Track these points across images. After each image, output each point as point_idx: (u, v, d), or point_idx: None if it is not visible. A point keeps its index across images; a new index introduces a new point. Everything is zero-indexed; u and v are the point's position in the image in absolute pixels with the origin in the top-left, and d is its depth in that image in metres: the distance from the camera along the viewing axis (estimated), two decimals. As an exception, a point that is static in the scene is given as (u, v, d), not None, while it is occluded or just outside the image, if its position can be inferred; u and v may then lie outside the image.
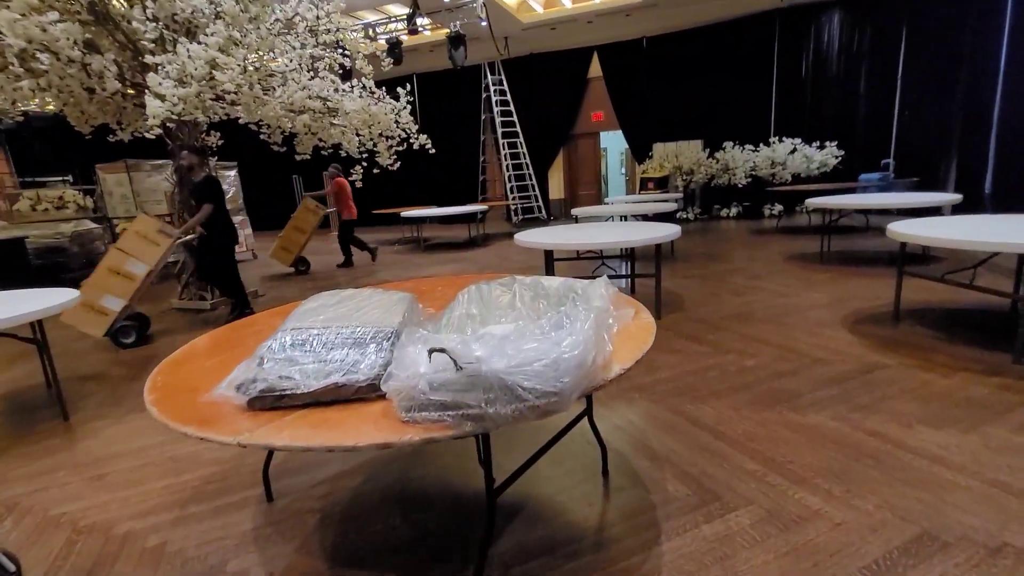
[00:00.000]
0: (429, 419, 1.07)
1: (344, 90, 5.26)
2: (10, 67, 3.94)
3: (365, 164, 5.50)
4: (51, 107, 4.88)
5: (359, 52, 5.51)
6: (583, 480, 2.01)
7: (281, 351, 1.24)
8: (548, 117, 12.32)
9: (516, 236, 4.12)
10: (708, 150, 10.40)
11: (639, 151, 11.46)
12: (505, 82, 12.02)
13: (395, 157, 5.60)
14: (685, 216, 10.53)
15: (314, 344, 1.26)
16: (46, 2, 3.92)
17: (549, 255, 4.08)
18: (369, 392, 1.20)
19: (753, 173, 9.69)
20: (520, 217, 12.50)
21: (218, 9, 4.34)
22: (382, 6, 10.30)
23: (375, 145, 5.45)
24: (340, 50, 5.48)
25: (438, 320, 1.45)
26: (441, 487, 2.02)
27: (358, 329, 1.30)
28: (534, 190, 12.35)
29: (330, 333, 1.28)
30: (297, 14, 5.08)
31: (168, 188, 5.80)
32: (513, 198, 12.08)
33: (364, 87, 5.47)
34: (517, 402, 1.03)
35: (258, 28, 4.65)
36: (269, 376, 1.19)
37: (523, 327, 1.18)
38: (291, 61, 4.90)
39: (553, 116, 12.31)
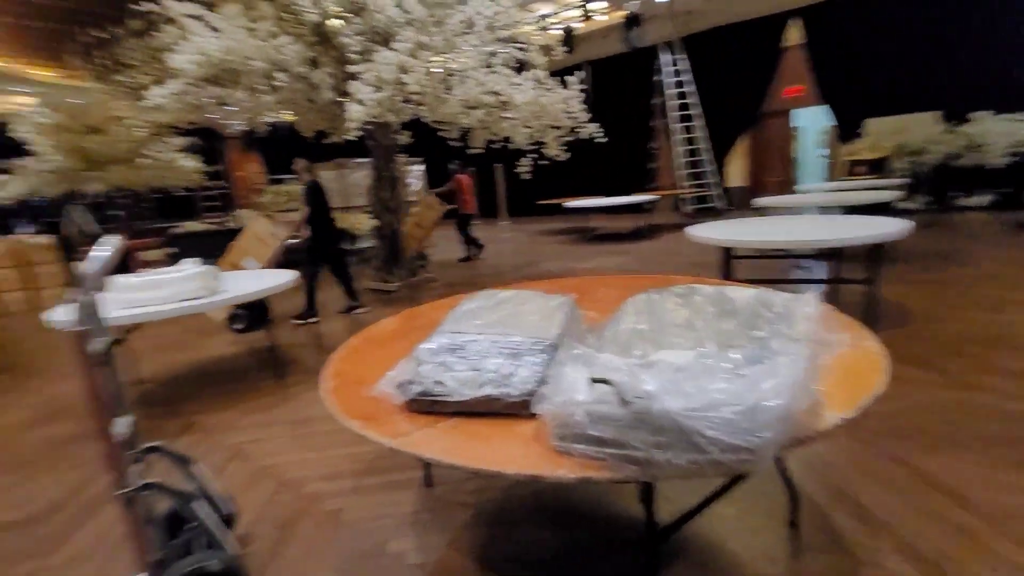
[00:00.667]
0: (585, 453, 0.92)
1: (516, 83, 5.34)
2: (258, 87, 4.80)
3: (534, 156, 5.55)
4: (287, 117, 5.87)
5: (532, 45, 5.54)
6: (764, 528, 1.68)
7: (437, 355, 1.21)
8: (731, 96, 11.10)
9: (688, 230, 3.72)
10: (947, 123, 8.29)
11: (847, 128, 9.67)
12: (683, 61, 11.15)
13: (563, 148, 5.53)
14: (910, 206, 8.60)
15: (469, 351, 1.20)
16: (281, 27, 4.66)
17: (727, 253, 3.60)
18: (521, 409, 1.10)
19: (1020, 150, 7.46)
20: (692, 207, 11.57)
21: (409, 17, 4.70)
22: (557, -5, 10.29)
23: (543, 136, 5.45)
24: (515, 44, 5.57)
25: (600, 332, 1.29)
26: (597, 506, 1.88)
27: (514, 339, 1.21)
28: (712, 177, 11.30)
29: (485, 341, 1.22)
30: (478, 12, 5.27)
31: (361, 184, 6.60)
32: (685, 186, 11.22)
33: (536, 79, 5.49)
34: (695, 452, 0.82)
35: (442, 30, 4.94)
36: (425, 380, 1.17)
37: (707, 358, 0.96)
38: (469, 59, 5.13)
39: (738, 95, 11.05)
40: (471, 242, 8.28)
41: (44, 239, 7.84)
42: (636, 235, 8.96)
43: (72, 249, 8.56)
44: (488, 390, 1.12)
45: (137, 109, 9.14)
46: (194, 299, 2.95)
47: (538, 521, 1.82)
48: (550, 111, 5.23)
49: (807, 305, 1.25)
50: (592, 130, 5.43)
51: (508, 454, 1.00)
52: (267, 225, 5.24)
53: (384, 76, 4.39)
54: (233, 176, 18.44)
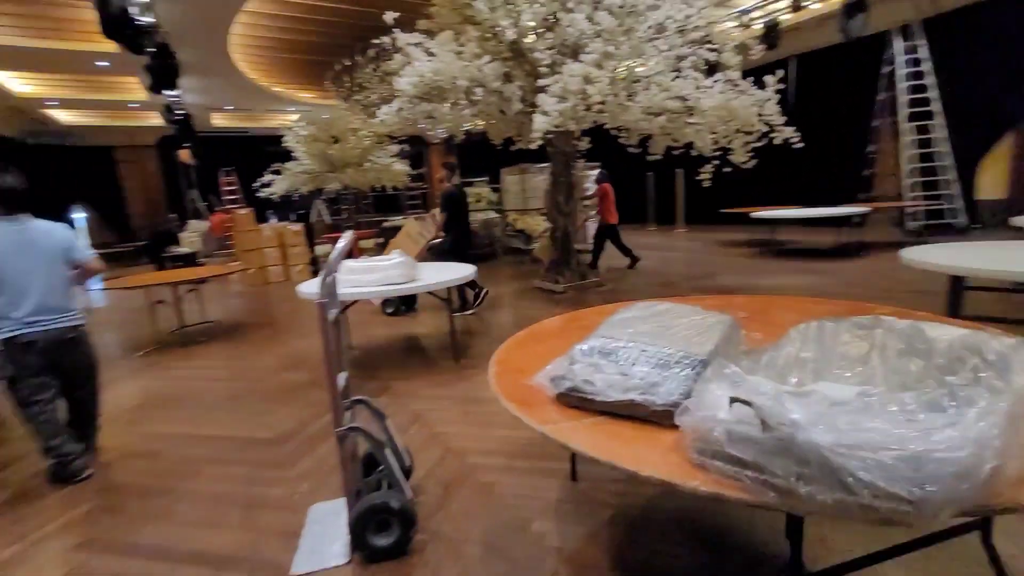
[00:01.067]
0: (722, 471, 0.94)
1: (705, 87, 5.11)
2: (459, 102, 5.44)
3: (717, 163, 5.25)
4: (480, 125, 6.52)
5: (726, 44, 5.23)
6: (957, 613, 1.42)
7: (589, 356, 1.31)
8: (987, 90, 8.92)
9: (904, 252, 3.16)
10: None
11: None
12: (922, 49, 9.30)
13: (751, 155, 5.13)
14: None
15: (619, 356, 1.28)
16: (483, 47, 5.20)
17: (956, 283, 2.98)
18: (664, 418, 1.14)
19: None
20: (921, 223, 9.61)
21: (598, 28, 4.84)
22: (763, -13, 9.45)
23: (730, 142, 5.12)
24: (707, 45, 5.32)
25: (759, 356, 1.25)
26: (740, 534, 1.79)
27: (665, 350, 1.25)
28: (951, 187, 9.25)
29: (636, 349, 1.28)
30: (669, 17, 5.18)
31: (540, 188, 6.96)
32: (915, 197, 9.36)
33: (728, 80, 5.18)
34: (843, 492, 0.79)
35: (630, 39, 4.98)
36: (576, 378, 1.28)
37: (872, 395, 0.89)
38: (656, 64, 5.08)
39: (997, 87, 8.83)
40: (599, 253, 8.01)
41: (296, 226, 9.94)
42: (838, 253, 7.81)
43: (314, 235, 10.69)
44: (633, 395, 1.19)
45: (367, 123, 11.06)
46: (398, 283, 3.53)
47: (677, 537, 1.80)
48: (740, 115, 4.90)
49: None
50: (788, 134, 4.92)
51: (645, 457, 1.06)
52: (417, 226, 5.98)
53: (569, 87, 4.61)
54: (433, 178, 20.99)
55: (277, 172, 11.30)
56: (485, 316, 5.34)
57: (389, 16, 5.28)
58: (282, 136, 11.27)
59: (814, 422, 0.82)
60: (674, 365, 1.21)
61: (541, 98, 4.62)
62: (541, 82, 4.79)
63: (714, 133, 5.12)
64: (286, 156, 11.27)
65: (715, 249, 9.40)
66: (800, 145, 4.90)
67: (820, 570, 1.19)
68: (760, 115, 5.00)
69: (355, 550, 1.80)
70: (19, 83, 11.56)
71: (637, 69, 5.23)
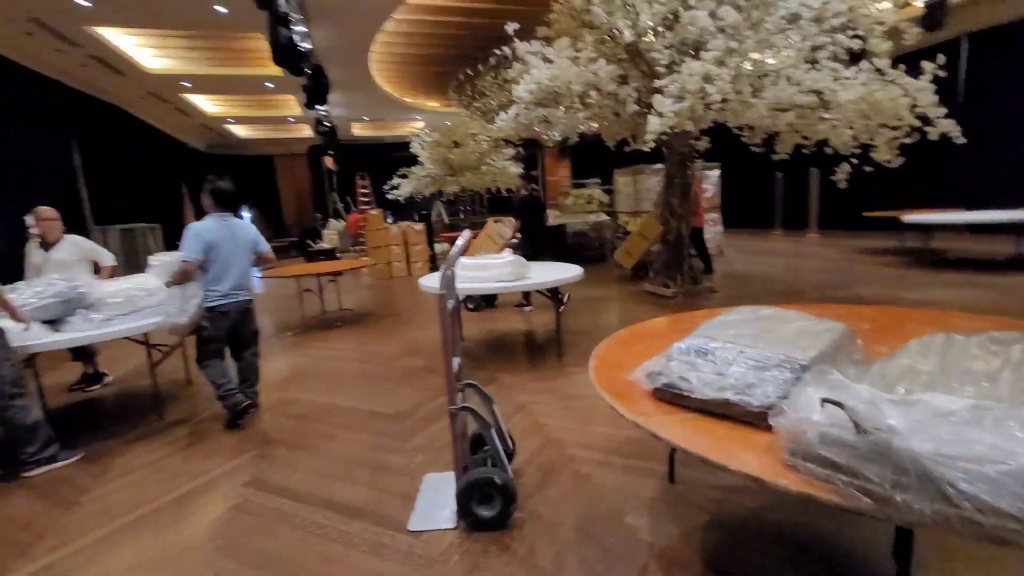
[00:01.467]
0: (814, 473, 0.95)
1: (846, 78, 4.65)
2: (574, 106, 5.55)
3: (855, 161, 4.76)
4: (594, 127, 6.56)
5: (873, 30, 4.72)
6: None
7: (687, 354, 1.35)
8: None
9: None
10: None
11: None
12: None
13: (898, 152, 4.57)
14: None
15: (716, 355, 1.30)
16: (599, 51, 5.25)
17: None
18: (759, 420, 1.16)
19: None
20: None
21: (720, 24, 4.64)
22: (927, -41, 8.27)
23: (872, 139, 4.62)
24: (848, 32, 4.84)
25: (868, 366, 1.20)
26: (843, 554, 1.68)
27: (764, 353, 1.25)
28: None
29: (734, 350, 1.30)
30: (804, 4, 4.81)
31: (653, 190, 6.81)
32: None
33: (876, 69, 4.66)
34: (943, 503, 0.77)
35: (757, 32, 4.71)
36: (672, 374, 1.34)
37: (987, 408, 0.84)
38: (788, 57, 4.74)
39: None
40: (703, 257, 7.53)
41: (418, 226, 10.76)
42: (1013, 265, 6.62)
43: (433, 233, 11.46)
44: (728, 395, 1.22)
45: (484, 128, 11.62)
46: (509, 281, 3.74)
47: (776, 550, 1.75)
48: (885, 108, 4.39)
49: None
50: (946, 128, 4.32)
51: (737, 455, 1.09)
52: (496, 228, 6.23)
53: (688, 87, 4.49)
54: (546, 180, 21.33)
55: (404, 176, 12.32)
56: (590, 318, 5.39)
57: (510, 27, 5.56)
58: (409, 142, 12.26)
59: (913, 429, 0.81)
60: (772, 368, 1.21)
61: (656, 99, 4.55)
62: (658, 83, 4.73)
63: (853, 128, 4.65)
64: (412, 161, 12.24)
65: (854, 257, 8.45)
66: (962, 141, 4.27)
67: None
68: (914, 107, 4.44)
69: (461, 518, 2.00)
70: (210, 104, 13.90)
71: (768, 61, 4.91)
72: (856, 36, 4.82)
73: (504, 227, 6.55)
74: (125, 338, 3.22)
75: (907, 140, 4.52)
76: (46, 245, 3.76)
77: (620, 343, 1.95)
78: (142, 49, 9.79)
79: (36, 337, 2.94)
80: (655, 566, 1.72)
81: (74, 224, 9.38)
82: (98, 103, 10.80)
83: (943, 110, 4.47)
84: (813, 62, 4.79)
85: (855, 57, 4.92)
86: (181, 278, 3.03)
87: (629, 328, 2.12)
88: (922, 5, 7.63)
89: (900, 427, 0.81)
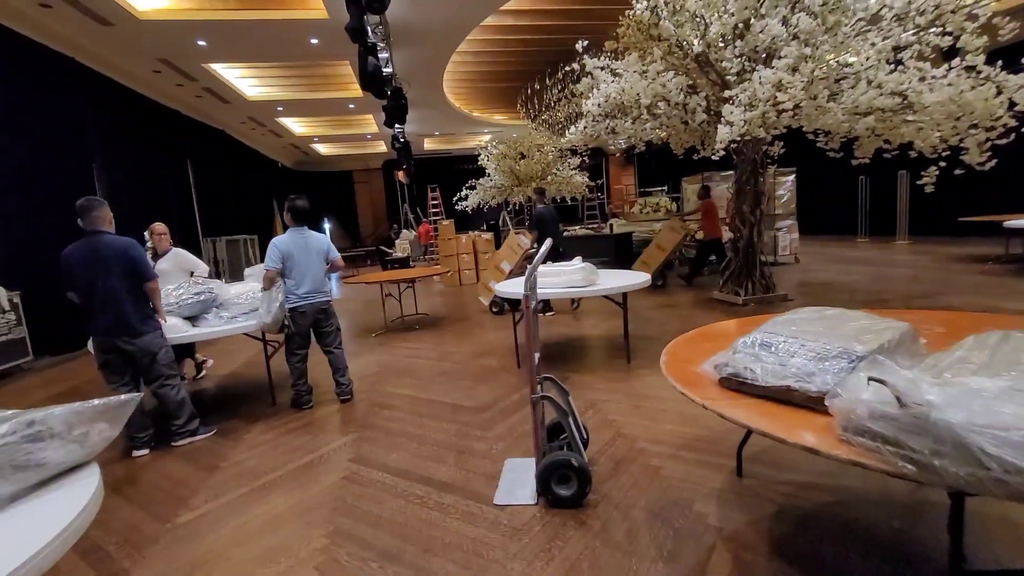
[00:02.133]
0: (864, 445, 1.10)
1: (933, 77, 4.48)
2: (642, 116, 5.69)
3: (943, 164, 4.56)
4: (662, 136, 6.64)
5: (963, 28, 4.51)
6: None
7: (751, 347, 1.52)
8: None
9: None
10: None
11: None
12: None
13: (989, 154, 4.34)
14: None
15: (779, 348, 1.46)
16: (668, 62, 5.37)
17: None
18: (817, 404, 1.30)
19: None
20: None
21: (794, 30, 4.63)
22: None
23: (962, 140, 4.41)
24: (934, 29, 4.65)
25: (925, 359, 1.31)
26: (911, 546, 1.74)
27: (824, 346, 1.40)
28: None
29: (796, 343, 1.44)
30: (884, 5, 4.69)
31: (728, 195, 6.76)
32: None
33: (969, 67, 4.45)
34: (975, 467, 0.91)
35: (835, 35, 4.65)
36: (737, 364, 1.50)
37: (1019, 387, 0.96)
38: (868, 59, 4.64)
39: None
40: (699, 265, 8.17)
41: (486, 235, 11.17)
42: None
43: (501, 243, 11.84)
44: (790, 382, 1.37)
45: (550, 139, 11.90)
46: (580, 286, 3.96)
47: (845, 542, 1.83)
48: (976, 108, 4.20)
49: None
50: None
51: (795, 432, 1.25)
52: (517, 238, 6.64)
53: (759, 95, 4.52)
54: (611, 188, 21.29)
55: (472, 187, 12.84)
56: (658, 324, 5.46)
57: (580, 44, 5.80)
58: (477, 155, 12.78)
59: (948, 403, 0.95)
60: (831, 358, 1.35)
61: (726, 109, 4.61)
62: (727, 93, 4.78)
63: (940, 130, 4.47)
64: (479, 173, 12.74)
65: (948, 265, 7.89)
66: (1064, 140, 4.00)
67: (986, 570, 1.22)
68: (1013, 105, 4.21)
69: (541, 495, 2.23)
70: (297, 126, 15.19)
71: (850, 60, 4.81)
72: (946, 33, 4.64)
73: (524, 238, 7.07)
74: (244, 334, 3.75)
75: (1001, 141, 4.29)
76: (156, 256, 4.36)
77: (689, 342, 2.11)
78: (244, 80, 10.95)
79: (179, 330, 3.51)
80: (723, 547, 1.87)
81: (189, 235, 10.64)
82: (206, 128, 12.17)
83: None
84: (898, 62, 4.66)
85: (949, 54, 4.71)
86: (267, 284, 3.54)
87: (698, 330, 2.28)
88: (1026, -6, 7.08)
89: (937, 401, 0.96)
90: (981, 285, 6.22)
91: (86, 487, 1.27)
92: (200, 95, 10.75)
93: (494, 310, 6.82)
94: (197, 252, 10.90)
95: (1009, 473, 0.88)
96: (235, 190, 13.22)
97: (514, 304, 6.40)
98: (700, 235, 8.37)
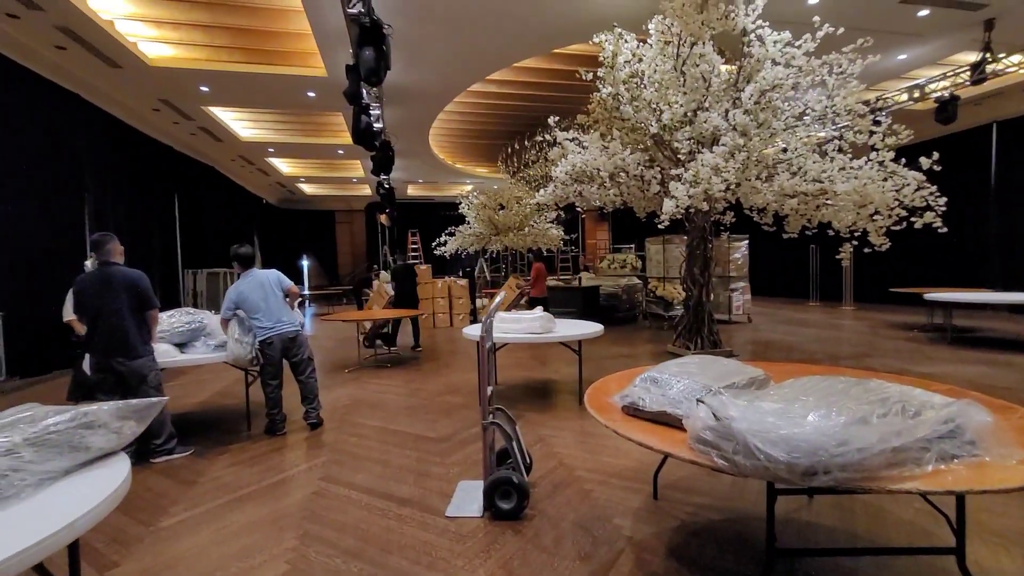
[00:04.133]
0: (701, 450, 1.57)
1: (852, 167, 5.28)
2: (604, 185, 6.39)
3: (855, 243, 5.31)
4: (625, 200, 7.34)
5: (871, 129, 5.37)
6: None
7: (644, 382, 2.00)
8: None
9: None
10: None
11: None
12: None
13: (885, 240, 5.10)
14: None
15: (662, 382, 1.94)
16: (626, 144, 6.12)
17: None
18: (682, 425, 1.78)
19: None
20: None
21: (732, 123, 5.43)
22: (944, 59, 8.97)
23: (864, 225, 5.18)
24: (854, 128, 5.49)
25: (766, 391, 1.80)
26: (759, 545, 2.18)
27: (693, 382, 1.88)
28: None
29: (675, 379, 1.93)
30: (808, 108, 5.57)
31: (680, 258, 7.45)
32: None
33: (880, 161, 5.28)
34: (753, 459, 1.39)
35: (766, 129, 5.45)
36: (633, 395, 1.98)
37: (791, 407, 1.46)
38: (795, 149, 5.46)
39: None
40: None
41: (461, 281, 11.67)
42: (1037, 345, 6.76)
43: (476, 288, 12.34)
44: (666, 407, 1.85)
45: (528, 193, 12.69)
46: (538, 333, 4.43)
47: (723, 546, 2.26)
48: (875, 199, 4.99)
49: (976, 414, 1.48)
50: (927, 219, 4.84)
51: (660, 442, 1.71)
52: (383, 286, 7.65)
53: (700, 176, 5.24)
54: (587, 242, 22.25)
55: (451, 234, 13.45)
56: (613, 371, 5.92)
57: (551, 119, 6.56)
58: (458, 203, 13.47)
59: (741, 416, 1.43)
60: (697, 391, 1.84)
61: (672, 185, 5.31)
62: (674, 171, 5.50)
63: (850, 215, 5.24)
64: (459, 220, 13.40)
65: (880, 331, 8.67)
66: (944, 230, 4.78)
67: (792, 548, 1.67)
68: (899, 199, 5.01)
69: (486, 509, 2.61)
70: (285, 166, 15.75)
71: (781, 147, 5.62)
72: (858, 132, 5.51)
73: (389, 287, 8.95)
74: (226, 362, 4.07)
75: (896, 227, 5.06)
76: None
77: (613, 380, 2.59)
78: (239, 121, 11.53)
79: (169, 355, 3.83)
80: (630, 551, 2.27)
81: (169, 266, 10.84)
82: (196, 163, 12.60)
83: (943, 199, 5.01)
84: (823, 153, 5.48)
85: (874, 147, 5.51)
86: (224, 328, 3.97)
87: (622, 371, 2.75)
88: (935, 101, 8.27)
89: (735, 415, 1.44)
90: (901, 350, 6.93)
91: (122, 467, 1.64)
92: (195, 133, 11.25)
93: (367, 344, 7.65)
94: (176, 283, 11.08)
95: (771, 462, 1.35)
96: (218, 224, 13.53)
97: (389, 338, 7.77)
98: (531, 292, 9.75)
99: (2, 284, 6.21)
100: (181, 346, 4.02)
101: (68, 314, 4.06)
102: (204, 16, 6.89)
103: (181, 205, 11.52)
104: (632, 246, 15.17)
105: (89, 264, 4.49)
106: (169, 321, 3.98)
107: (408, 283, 8.38)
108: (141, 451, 3.53)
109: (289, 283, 4.27)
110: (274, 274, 4.20)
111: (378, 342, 7.58)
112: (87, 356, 3.49)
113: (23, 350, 6.27)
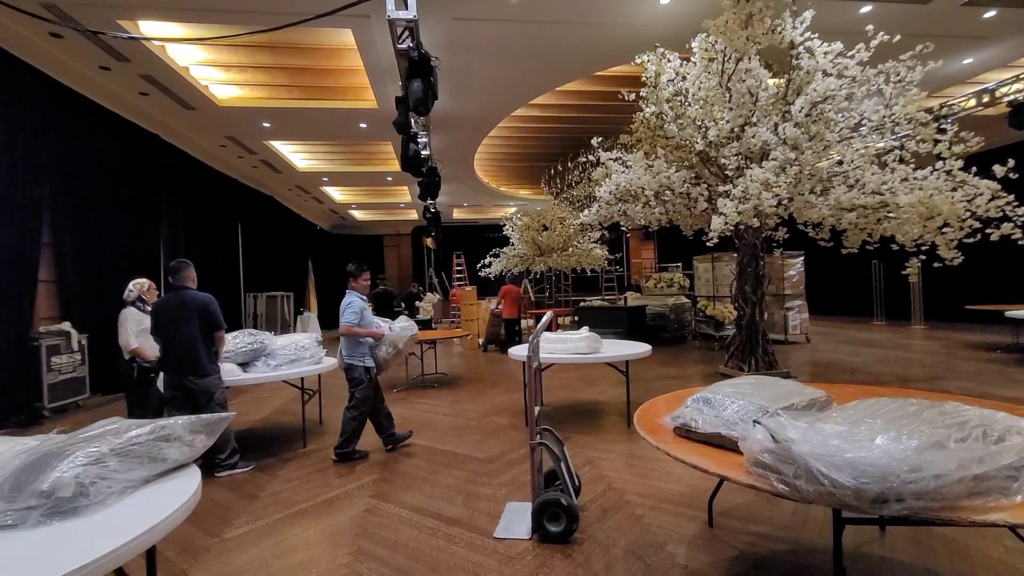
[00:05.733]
0: (759, 474, 1.51)
1: (915, 178, 5.02)
2: (649, 203, 6.33)
3: (923, 258, 5.00)
4: (672, 219, 7.24)
5: (936, 138, 5.09)
6: None
7: (697, 403, 1.94)
8: None
9: None
10: None
11: None
12: None
13: (957, 253, 4.76)
14: None
15: (716, 403, 1.88)
16: (670, 163, 6.07)
17: None
18: (738, 447, 1.71)
19: None
20: None
21: (783, 136, 5.28)
22: (1016, 61, 8.43)
23: (932, 238, 4.87)
24: (913, 137, 5.23)
25: (828, 413, 1.72)
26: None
27: (748, 403, 1.82)
28: None
29: (728, 400, 1.87)
30: (864, 117, 5.35)
31: (730, 275, 7.23)
32: None
33: (946, 171, 4.99)
34: (816, 484, 1.32)
35: (819, 141, 5.27)
36: (685, 416, 1.93)
37: (856, 430, 1.38)
38: (852, 161, 5.24)
39: None
40: (502, 341, 10.08)
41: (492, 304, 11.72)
42: None
43: (521, 310, 12.37)
44: (721, 430, 1.79)
45: (572, 213, 12.72)
46: (584, 353, 4.40)
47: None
48: (943, 211, 4.69)
49: None
50: (1006, 231, 4.50)
51: (716, 466, 1.66)
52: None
53: (750, 191, 5.11)
54: (631, 261, 21.97)
55: (496, 255, 13.61)
56: (662, 392, 5.77)
57: (595, 140, 6.60)
58: (502, 225, 13.65)
59: (802, 439, 1.38)
60: (752, 412, 1.77)
61: (720, 202, 5.20)
62: (722, 188, 5.39)
63: (915, 228, 4.94)
64: (503, 242, 13.55)
65: (957, 351, 8.04)
66: (1023, 240, 4.42)
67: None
68: (971, 209, 4.69)
69: (535, 531, 2.58)
70: (338, 193, 16.50)
71: (838, 161, 5.40)
72: (922, 141, 5.22)
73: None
74: (284, 381, 4.26)
75: (968, 240, 4.72)
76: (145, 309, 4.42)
77: (662, 401, 2.54)
78: (296, 153, 12.23)
79: (234, 374, 4.04)
80: (685, 580, 2.19)
81: (232, 290, 11.50)
82: (256, 194, 13.41)
83: (1022, 209, 4.64)
84: (883, 164, 5.23)
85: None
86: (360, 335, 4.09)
87: (672, 392, 2.69)
88: (1007, 105, 7.76)
89: (795, 437, 1.38)
90: (981, 372, 6.39)
91: (194, 478, 1.74)
92: (256, 166, 12.01)
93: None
94: (239, 306, 11.73)
95: (836, 487, 1.29)
96: (276, 250, 14.28)
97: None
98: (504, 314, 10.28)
99: (88, 308, 6.77)
100: (244, 366, 4.24)
101: (133, 341, 4.17)
102: (267, 58, 7.42)
103: (244, 233, 12.25)
104: (679, 264, 14.85)
105: (133, 288, 4.35)
106: (233, 342, 4.21)
107: (386, 308, 9.31)
108: (206, 464, 3.72)
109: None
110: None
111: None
112: (160, 375, 3.74)
113: (104, 369, 6.78)
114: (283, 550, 2.58)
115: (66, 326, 6.21)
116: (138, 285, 4.40)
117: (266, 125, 9.32)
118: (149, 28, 6.35)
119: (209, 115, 8.57)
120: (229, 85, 8.16)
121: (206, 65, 7.50)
